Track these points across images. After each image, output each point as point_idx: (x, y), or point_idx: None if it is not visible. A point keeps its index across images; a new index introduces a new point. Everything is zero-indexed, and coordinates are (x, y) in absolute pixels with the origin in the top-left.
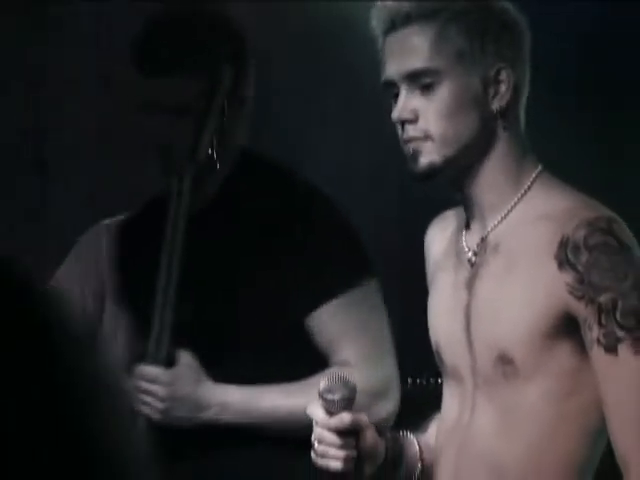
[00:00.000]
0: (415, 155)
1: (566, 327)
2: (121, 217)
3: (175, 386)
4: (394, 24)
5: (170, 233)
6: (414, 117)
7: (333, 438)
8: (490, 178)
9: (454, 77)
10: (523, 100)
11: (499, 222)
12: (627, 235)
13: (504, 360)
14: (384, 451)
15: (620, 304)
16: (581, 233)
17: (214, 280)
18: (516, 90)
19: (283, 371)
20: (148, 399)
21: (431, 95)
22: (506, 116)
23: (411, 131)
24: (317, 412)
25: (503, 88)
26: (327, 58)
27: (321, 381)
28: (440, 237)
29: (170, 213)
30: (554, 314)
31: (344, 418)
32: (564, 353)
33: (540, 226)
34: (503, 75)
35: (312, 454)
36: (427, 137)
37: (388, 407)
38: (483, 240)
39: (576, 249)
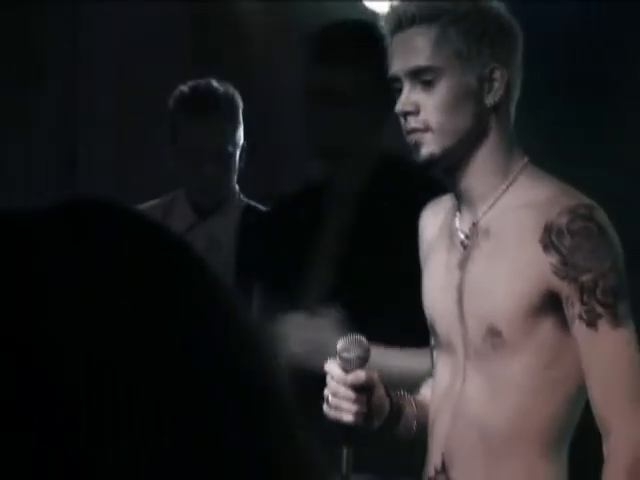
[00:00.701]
0: (417, 146)
1: (549, 304)
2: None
3: (317, 333)
4: (400, 25)
5: (331, 212)
6: (415, 110)
7: (348, 393)
8: (481, 168)
9: (452, 74)
10: (514, 97)
11: (489, 209)
12: (606, 221)
13: (493, 333)
14: (389, 407)
15: (600, 283)
16: (564, 219)
17: (367, 251)
18: (508, 88)
19: (411, 340)
20: (290, 342)
21: (431, 90)
22: (498, 111)
23: (412, 122)
24: (334, 369)
25: (496, 85)
26: None
27: (339, 341)
28: (433, 220)
29: (330, 195)
30: (539, 292)
31: (359, 375)
32: (547, 327)
33: (526, 213)
34: (497, 74)
35: (325, 407)
36: (427, 128)
37: None
38: (475, 225)
39: (560, 234)
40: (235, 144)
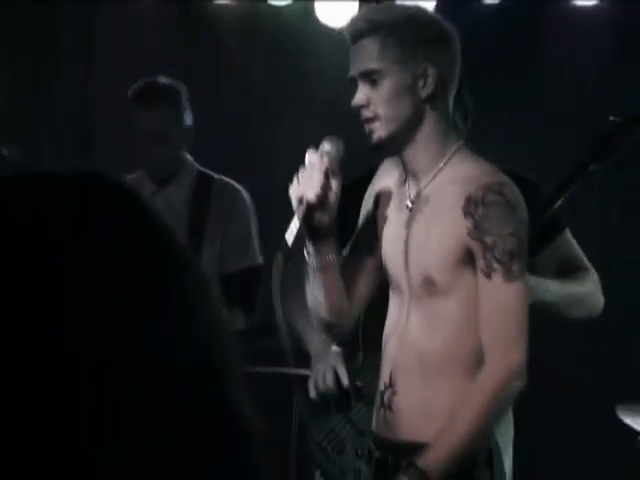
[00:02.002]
0: (370, 133)
1: (468, 258)
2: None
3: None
4: (354, 37)
5: None
6: (366, 103)
7: (318, 175)
8: (423, 148)
9: (393, 74)
10: (449, 89)
11: (429, 182)
12: (514, 196)
13: (428, 282)
14: (333, 246)
15: (500, 245)
16: (480, 193)
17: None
18: (441, 83)
19: None
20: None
21: (377, 87)
22: (433, 102)
23: (365, 113)
24: (313, 156)
25: (429, 81)
26: None
27: (324, 142)
28: (388, 175)
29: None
30: (460, 248)
31: (331, 163)
32: (468, 276)
33: (455, 187)
34: (429, 72)
35: (290, 190)
36: (376, 117)
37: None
38: (418, 194)
39: (475, 204)
40: (178, 126)
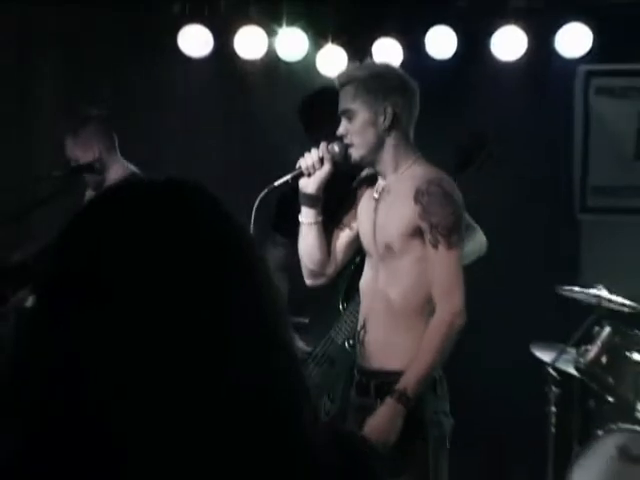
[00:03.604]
0: (350, 154)
1: (417, 233)
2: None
3: None
4: (340, 85)
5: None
6: (345, 133)
7: (316, 155)
8: (386, 162)
9: (362, 113)
10: (406, 121)
11: (392, 181)
12: (451, 187)
13: (388, 248)
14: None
15: (442, 223)
16: (425, 186)
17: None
18: (397, 118)
19: None
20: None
21: (352, 122)
22: (391, 130)
23: (345, 140)
24: (322, 146)
25: (388, 116)
26: None
27: (333, 144)
28: (368, 181)
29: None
30: (412, 226)
31: (330, 155)
32: (418, 244)
33: (409, 183)
34: (388, 110)
35: (300, 161)
36: (352, 144)
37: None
38: (383, 189)
39: (422, 194)
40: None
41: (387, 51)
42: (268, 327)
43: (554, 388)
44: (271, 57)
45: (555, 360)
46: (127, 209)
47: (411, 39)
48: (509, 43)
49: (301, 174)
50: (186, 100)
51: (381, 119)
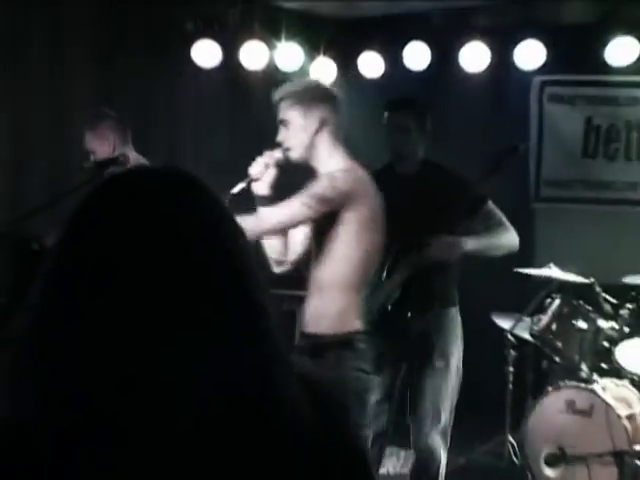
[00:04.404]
0: (289, 157)
1: (332, 217)
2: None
3: None
4: (278, 100)
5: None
6: (283, 140)
7: (262, 163)
8: (319, 158)
9: (295, 120)
10: (334, 125)
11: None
12: (343, 177)
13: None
14: None
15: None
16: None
17: (420, 205)
18: (324, 122)
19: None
20: None
21: (287, 129)
22: (319, 133)
23: (284, 145)
24: (266, 155)
25: (316, 121)
26: None
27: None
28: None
29: (395, 174)
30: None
31: (274, 161)
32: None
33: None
34: (315, 115)
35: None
36: (289, 148)
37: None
38: (319, 174)
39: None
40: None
41: (370, 63)
42: (253, 295)
43: (512, 351)
44: (271, 68)
45: (513, 327)
46: (131, 192)
47: (391, 53)
48: (475, 57)
49: (252, 180)
50: (198, 104)
51: (310, 124)
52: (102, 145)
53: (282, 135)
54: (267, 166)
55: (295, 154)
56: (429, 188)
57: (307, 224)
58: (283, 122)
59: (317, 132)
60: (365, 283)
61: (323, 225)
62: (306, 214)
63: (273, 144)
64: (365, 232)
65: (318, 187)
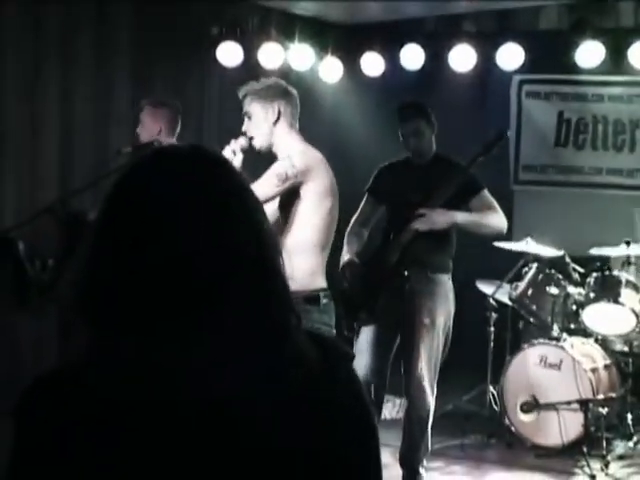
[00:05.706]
0: (252, 145)
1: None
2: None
3: None
4: (242, 96)
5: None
6: (246, 130)
7: (230, 149)
8: (278, 145)
9: (257, 112)
10: (290, 115)
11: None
12: (289, 160)
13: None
14: None
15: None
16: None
17: (428, 188)
18: (281, 113)
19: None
20: None
21: (250, 121)
22: (277, 123)
23: (248, 134)
24: (233, 142)
25: (275, 113)
26: None
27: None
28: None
29: (411, 165)
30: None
31: (240, 147)
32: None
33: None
34: (275, 108)
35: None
36: (252, 137)
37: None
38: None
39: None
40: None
41: (372, 63)
42: (266, 257)
43: (493, 313)
44: (286, 66)
45: (494, 293)
46: (169, 160)
47: (390, 54)
48: (462, 58)
49: None
50: (221, 99)
51: (270, 115)
52: (150, 130)
53: (246, 126)
54: (234, 153)
55: (258, 142)
56: (437, 175)
57: (274, 199)
58: (246, 114)
59: (275, 122)
60: (327, 245)
61: (287, 199)
62: (274, 191)
63: (239, 134)
64: (323, 201)
65: (280, 167)
